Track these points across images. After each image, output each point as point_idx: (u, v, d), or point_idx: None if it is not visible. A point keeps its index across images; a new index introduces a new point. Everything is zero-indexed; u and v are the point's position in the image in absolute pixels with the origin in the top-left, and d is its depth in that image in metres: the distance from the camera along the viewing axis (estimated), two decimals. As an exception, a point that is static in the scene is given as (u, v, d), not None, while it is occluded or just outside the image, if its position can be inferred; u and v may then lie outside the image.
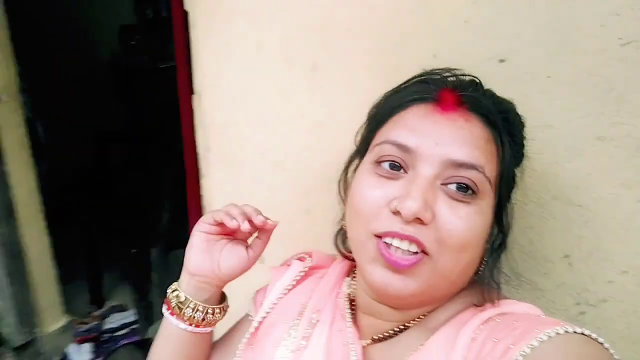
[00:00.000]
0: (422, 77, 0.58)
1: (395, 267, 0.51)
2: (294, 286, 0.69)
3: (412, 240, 0.50)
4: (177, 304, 0.63)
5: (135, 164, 2.52)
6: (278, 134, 0.97)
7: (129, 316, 2.30)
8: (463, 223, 0.50)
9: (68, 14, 3.04)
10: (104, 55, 2.93)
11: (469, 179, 0.51)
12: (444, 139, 0.51)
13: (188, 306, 0.62)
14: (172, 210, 2.14)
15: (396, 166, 0.53)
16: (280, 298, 0.68)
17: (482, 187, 0.51)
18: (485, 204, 0.52)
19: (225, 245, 0.63)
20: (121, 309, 2.36)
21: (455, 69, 0.58)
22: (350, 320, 0.60)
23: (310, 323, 0.62)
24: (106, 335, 2.19)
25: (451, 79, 0.57)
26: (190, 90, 1.11)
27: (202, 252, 0.62)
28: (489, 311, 0.53)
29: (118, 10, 2.97)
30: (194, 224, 0.63)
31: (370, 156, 0.56)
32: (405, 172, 0.53)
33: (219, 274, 0.62)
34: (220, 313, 0.65)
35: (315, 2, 0.88)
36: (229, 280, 0.64)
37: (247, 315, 0.72)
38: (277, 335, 0.63)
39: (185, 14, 1.04)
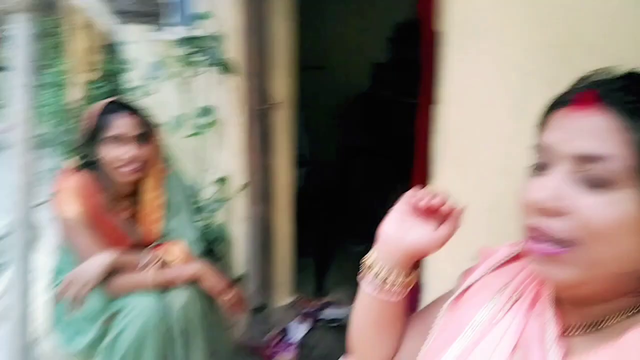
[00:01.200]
0: (578, 79, 0.61)
1: (540, 258, 0.55)
2: (500, 266, 0.73)
3: (547, 238, 0.54)
4: (366, 267, 0.74)
5: (373, 174, 2.83)
6: (512, 143, 1.02)
7: (342, 313, 2.53)
8: (601, 211, 0.51)
9: (330, 49, 3.58)
10: (356, 86, 3.39)
11: (602, 169, 0.52)
12: (573, 134, 0.54)
13: (373, 269, 0.72)
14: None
15: (543, 166, 0.57)
16: (486, 275, 0.73)
17: (618, 176, 0.51)
18: (627, 192, 0.51)
19: (415, 222, 0.72)
20: (337, 304, 2.62)
21: (611, 67, 0.59)
22: (553, 305, 0.63)
23: (510, 299, 0.66)
24: (319, 323, 2.47)
25: (600, 77, 0.58)
26: (429, 100, 1.24)
27: (393, 224, 0.72)
28: None
29: (373, 49, 3.40)
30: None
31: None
32: (549, 170, 0.56)
33: (402, 245, 0.71)
34: (401, 283, 0.72)
35: (558, 19, 0.92)
36: (414, 256, 0.72)
37: (451, 291, 0.78)
38: (478, 301, 0.69)
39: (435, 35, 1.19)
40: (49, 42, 2.45)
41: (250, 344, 2.21)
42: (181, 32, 2.19)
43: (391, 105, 2.92)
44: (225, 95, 2.20)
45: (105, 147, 1.63)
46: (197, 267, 1.65)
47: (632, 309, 0.56)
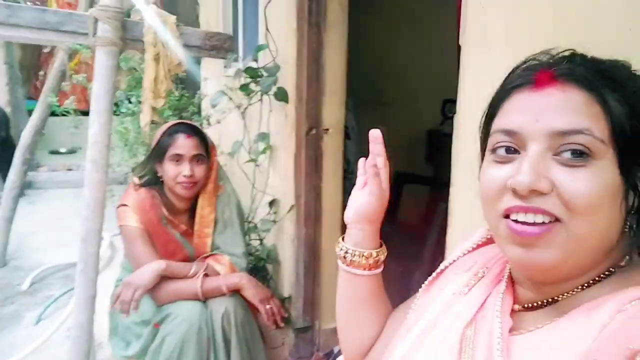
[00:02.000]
0: (521, 65, 0.61)
1: (527, 239, 0.53)
2: (474, 248, 0.76)
3: (536, 211, 0.53)
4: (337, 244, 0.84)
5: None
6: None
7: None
8: (583, 185, 0.51)
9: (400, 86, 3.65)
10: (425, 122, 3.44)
11: (578, 143, 0.52)
12: (542, 114, 0.54)
13: (339, 244, 0.83)
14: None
15: (510, 150, 0.57)
16: (461, 256, 0.76)
17: (594, 148, 0.52)
18: (604, 164, 0.52)
19: (361, 193, 0.83)
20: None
21: (552, 49, 0.60)
22: (507, 280, 0.65)
23: (476, 276, 0.69)
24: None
25: (546, 58, 0.59)
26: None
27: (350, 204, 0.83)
28: None
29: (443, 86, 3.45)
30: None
31: (488, 148, 0.61)
32: (519, 153, 0.56)
33: (351, 216, 0.82)
34: (361, 254, 0.80)
35: (565, 31, 0.95)
36: (361, 220, 0.81)
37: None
38: (446, 281, 0.72)
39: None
40: (126, 73, 2.75)
41: (295, 363, 2.26)
42: (242, 63, 2.37)
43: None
44: (278, 121, 2.34)
45: (166, 165, 1.79)
46: (239, 277, 1.75)
47: (587, 282, 0.57)
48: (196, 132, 1.85)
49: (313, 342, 2.38)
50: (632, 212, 0.55)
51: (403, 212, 3.19)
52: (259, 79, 2.28)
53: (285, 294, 2.37)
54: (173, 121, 1.94)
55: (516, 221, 0.54)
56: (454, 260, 0.77)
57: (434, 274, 0.77)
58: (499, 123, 0.59)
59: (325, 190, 2.27)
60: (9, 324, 2.81)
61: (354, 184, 2.84)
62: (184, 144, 1.79)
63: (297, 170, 2.25)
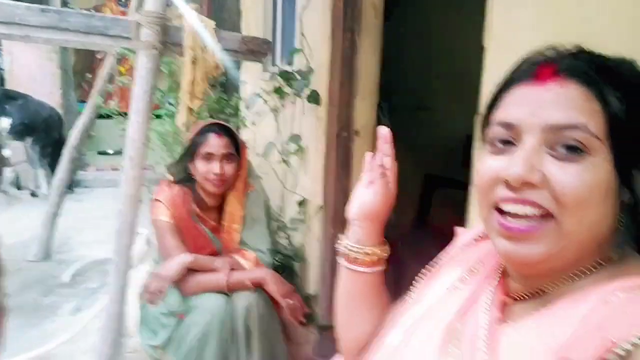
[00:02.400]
0: (524, 59, 0.61)
1: (515, 235, 0.54)
2: (473, 244, 0.76)
3: (526, 202, 0.53)
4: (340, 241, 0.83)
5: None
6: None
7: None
8: (574, 179, 0.51)
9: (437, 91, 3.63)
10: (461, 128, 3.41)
11: (573, 138, 0.52)
12: (540, 107, 0.54)
13: (343, 241, 0.82)
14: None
15: (507, 142, 0.57)
16: (459, 252, 0.77)
17: (589, 144, 0.52)
18: (598, 161, 0.52)
19: (366, 191, 0.82)
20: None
21: (560, 44, 0.59)
22: (499, 278, 0.65)
23: (470, 271, 0.69)
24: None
25: (551, 53, 0.59)
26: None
27: (354, 201, 0.83)
28: (629, 281, 0.52)
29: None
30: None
31: (486, 140, 0.61)
32: (516, 145, 0.56)
33: (355, 212, 0.81)
34: (365, 252, 0.79)
35: (586, 36, 0.95)
36: (366, 218, 0.80)
37: None
38: (441, 276, 0.73)
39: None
40: (166, 75, 2.86)
41: (318, 361, 2.28)
42: (278, 66, 2.43)
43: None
44: (310, 124, 2.38)
45: (198, 163, 1.86)
46: (263, 272, 1.79)
47: (574, 274, 0.57)
48: (227, 132, 1.91)
49: (335, 341, 2.39)
50: (626, 208, 0.55)
51: (435, 215, 3.17)
52: (292, 82, 2.33)
53: (311, 292, 2.39)
54: (206, 121, 2.01)
55: (506, 215, 0.55)
56: (451, 256, 0.78)
57: (431, 269, 0.78)
58: (498, 115, 0.59)
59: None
60: (49, 314, 2.94)
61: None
62: (214, 143, 1.86)
63: (326, 171, 2.29)
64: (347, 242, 0.82)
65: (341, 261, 0.82)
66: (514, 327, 0.57)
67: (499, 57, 1.24)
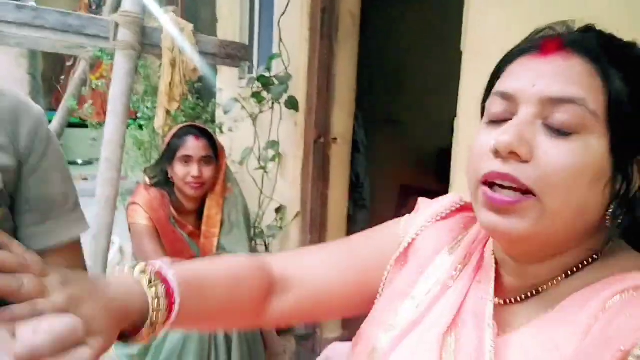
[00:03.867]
0: (534, 31, 0.60)
1: (498, 206, 0.51)
2: (443, 217, 0.70)
3: (512, 179, 0.50)
4: None
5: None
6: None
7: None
8: (564, 158, 0.49)
9: (411, 106, 3.70)
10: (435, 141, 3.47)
11: (570, 113, 0.50)
12: (540, 79, 0.52)
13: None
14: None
15: (503, 118, 0.54)
16: (429, 223, 0.70)
17: (586, 121, 0.50)
18: (593, 140, 0.50)
19: None
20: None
21: (572, 21, 0.58)
22: (493, 275, 0.61)
23: (456, 265, 0.64)
24: None
25: (561, 28, 0.57)
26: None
27: None
28: (626, 282, 0.50)
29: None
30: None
31: (484, 115, 0.58)
32: (512, 118, 0.53)
33: None
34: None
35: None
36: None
37: (394, 233, 0.72)
38: (424, 260, 0.66)
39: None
40: (142, 79, 2.84)
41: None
42: (256, 73, 2.43)
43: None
44: (288, 130, 2.39)
45: (176, 166, 1.84)
46: None
47: (570, 268, 0.55)
48: (205, 134, 1.90)
49: (314, 350, 2.38)
50: (618, 197, 0.52)
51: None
52: (270, 87, 2.34)
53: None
54: (183, 124, 1.99)
55: (491, 186, 0.53)
56: (424, 228, 0.70)
57: (400, 249, 0.70)
58: (498, 85, 0.57)
59: (331, 198, 2.30)
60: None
61: (362, 197, 2.86)
62: (192, 146, 1.84)
63: (304, 177, 2.29)
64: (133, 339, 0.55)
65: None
66: (515, 336, 0.54)
67: (475, 60, 1.28)
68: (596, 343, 0.46)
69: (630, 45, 0.55)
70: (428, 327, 0.59)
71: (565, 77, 0.51)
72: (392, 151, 3.58)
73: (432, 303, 0.62)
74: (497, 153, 0.52)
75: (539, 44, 0.54)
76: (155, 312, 0.54)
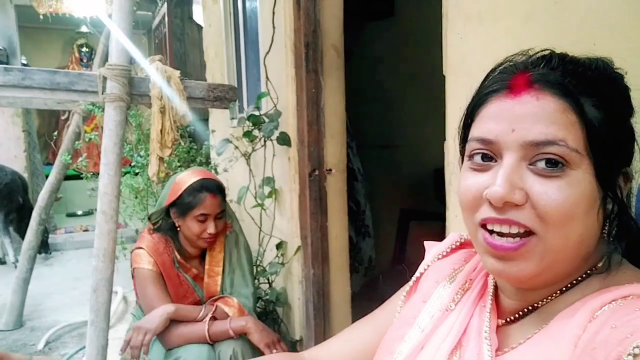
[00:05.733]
0: (497, 68, 0.61)
1: (503, 253, 0.53)
2: (448, 253, 0.75)
3: (510, 223, 0.52)
4: None
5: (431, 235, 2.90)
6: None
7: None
8: (556, 196, 0.50)
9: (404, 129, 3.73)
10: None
11: (552, 154, 0.51)
12: (518, 123, 0.53)
13: None
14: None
15: (487, 157, 0.56)
16: (435, 261, 0.75)
17: (569, 158, 0.51)
18: (580, 173, 0.51)
19: None
20: None
21: (530, 49, 0.59)
22: (492, 298, 0.64)
23: (461, 289, 0.67)
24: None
25: (523, 59, 0.58)
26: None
27: None
28: (615, 292, 0.51)
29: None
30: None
31: (465, 155, 0.60)
32: (496, 161, 0.55)
33: None
34: None
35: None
36: None
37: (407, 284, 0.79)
38: (427, 291, 0.71)
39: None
40: (134, 128, 2.86)
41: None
42: (246, 113, 2.46)
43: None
44: (282, 165, 2.40)
45: (190, 221, 1.81)
46: (245, 320, 1.75)
47: (565, 285, 0.57)
48: (220, 190, 1.87)
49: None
50: (611, 217, 0.55)
51: (413, 248, 3.18)
52: (261, 125, 2.36)
53: (297, 337, 2.34)
54: (195, 174, 1.90)
55: (492, 232, 0.54)
56: (428, 267, 0.76)
57: (409, 283, 0.76)
58: (475, 131, 0.58)
59: (331, 229, 2.29)
60: (24, 384, 2.80)
61: (365, 225, 2.84)
62: (210, 204, 1.81)
63: (302, 211, 2.29)
64: None
65: None
66: (513, 355, 0.56)
67: (458, 83, 1.29)
68: (583, 354, 0.47)
69: (591, 64, 0.56)
70: (434, 349, 0.62)
71: (541, 118, 0.52)
72: (389, 176, 3.58)
73: (435, 326, 0.65)
74: (491, 204, 0.53)
75: (507, 84, 0.56)
76: None
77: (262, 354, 1.72)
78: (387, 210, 3.45)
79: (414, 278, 0.76)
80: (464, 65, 1.27)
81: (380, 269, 3.13)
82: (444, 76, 1.38)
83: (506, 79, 0.56)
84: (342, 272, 2.37)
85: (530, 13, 1.14)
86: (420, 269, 0.77)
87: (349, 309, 2.43)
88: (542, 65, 0.56)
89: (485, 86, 0.60)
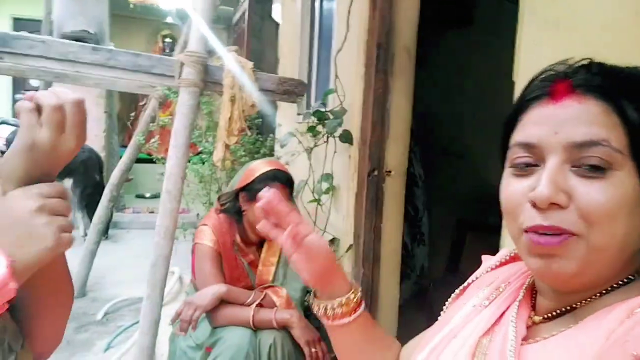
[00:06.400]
0: (538, 76, 0.61)
1: (547, 249, 0.54)
2: (497, 266, 0.76)
3: (555, 230, 0.53)
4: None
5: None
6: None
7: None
8: (601, 196, 0.51)
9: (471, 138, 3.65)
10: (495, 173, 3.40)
11: (596, 156, 0.52)
12: (560, 126, 0.54)
13: (315, 304, 0.79)
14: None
15: (530, 164, 0.57)
16: (484, 274, 0.77)
17: (612, 159, 0.51)
18: (623, 174, 0.52)
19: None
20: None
21: (570, 58, 0.59)
22: (524, 291, 0.65)
23: (497, 290, 0.69)
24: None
25: (563, 69, 0.59)
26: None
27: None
28: None
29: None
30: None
31: (507, 162, 0.60)
32: (539, 166, 0.56)
33: (307, 275, 0.76)
34: (339, 304, 0.76)
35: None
36: (319, 276, 0.76)
37: None
38: (469, 296, 0.72)
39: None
40: (205, 114, 2.97)
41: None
42: (312, 106, 2.49)
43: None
44: (342, 163, 2.41)
45: (257, 209, 1.83)
46: (290, 314, 1.76)
47: (605, 288, 0.56)
48: (290, 183, 1.90)
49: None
50: None
51: (468, 259, 3.10)
52: (325, 121, 2.39)
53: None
54: (269, 164, 1.94)
55: (536, 232, 0.55)
56: (477, 278, 0.77)
57: (457, 291, 0.78)
58: (517, 136, 0.59)
59: (385, 231, 2.28)
60: (81, 350, 2.98)
61: (421, 232, 2.80)
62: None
63: (357, 210, 2.29)
64: (321, 302, 0.78)
65: (326, 322, 0.78)
66: (543, 344, 0.56)
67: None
68: (614, 345, 0.47)
69: (631, 70, 0.57)
70: (466, 335, 0.64)
71: (584, 120, 0.53)
72: (450, 184, 3.52)
73: (468, 320, 0.66)
74: (535, 206, 0.54)
75: (549, 89, 0.57)
76: (348, 297, 0.76)
77: (301, 350, 1.73)
78: (444, 219, 3.38)
79: (461, 287, 0.78)
80: (535, 72, 1.22)
81: (432, 278, 3.07)
82: (513, 82, 1.34)
83: (547, 85, 0.57)
84: (392, 276, 2.35)
85: (608, 22, 1.09)
86: (470, 279, 0.78)
87: (396, 314, 2.40)
88: (582, 72, 0.57)
89: (526, 94, 0.60)
